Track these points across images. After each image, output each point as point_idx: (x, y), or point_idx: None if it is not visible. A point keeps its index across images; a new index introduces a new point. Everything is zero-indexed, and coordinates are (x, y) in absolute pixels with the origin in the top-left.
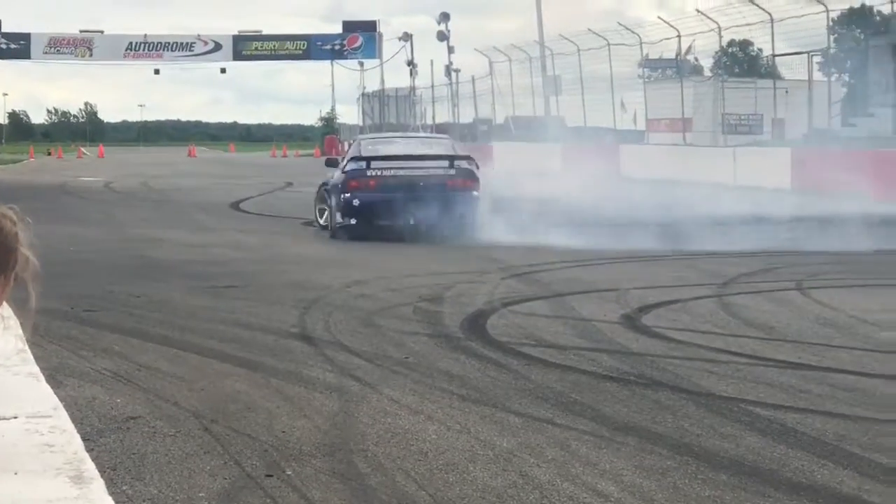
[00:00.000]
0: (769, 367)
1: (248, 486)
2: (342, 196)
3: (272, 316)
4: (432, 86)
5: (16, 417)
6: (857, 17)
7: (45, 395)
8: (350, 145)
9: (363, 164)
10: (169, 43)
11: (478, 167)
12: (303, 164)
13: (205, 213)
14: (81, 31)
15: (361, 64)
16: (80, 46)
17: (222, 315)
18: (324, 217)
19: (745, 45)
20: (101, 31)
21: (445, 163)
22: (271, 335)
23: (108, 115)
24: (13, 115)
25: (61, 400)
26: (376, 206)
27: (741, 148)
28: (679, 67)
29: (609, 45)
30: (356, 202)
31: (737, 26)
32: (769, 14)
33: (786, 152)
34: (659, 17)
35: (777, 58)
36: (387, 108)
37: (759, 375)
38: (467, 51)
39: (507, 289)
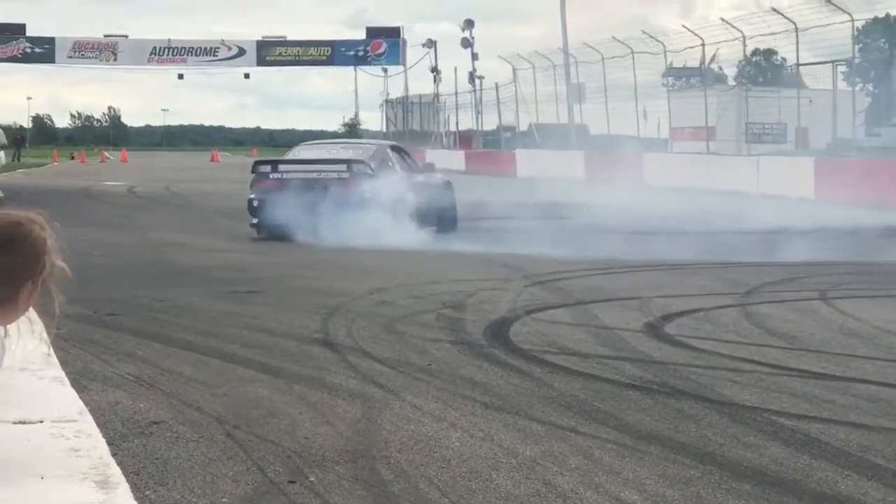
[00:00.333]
0: (793, 376)
1: (271, 492)
2: (248, 197)
3: (294, 322)
4: (456, 92)
5: (42, 422)
6: (882, 27)
7: (70, 400)
8: None
9: (269, 167)
10: (193, 48)
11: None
12: None
13: (227, 218)
14: (106, 36)
15: (385, 70)
16: (104, 51)
17: (245, 320)
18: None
19: (769, 54)
20: (126, 36)
21: (343, 166)
22: (294, 341)
23: (132, 119)
24: (37, 119)
25: (85, 404)
26: (273, 206)
27: (765, 157)
28: (703, 76)
29: (633, 53)
30: (256, 202)
31: (761, 35)
32: (794, 23)
33: (809, 162)
34: (683, 26)
35: (801, 67)
36: (410, 115)
37: (783, 385)
38: (491, 58)
39: (530, 296)
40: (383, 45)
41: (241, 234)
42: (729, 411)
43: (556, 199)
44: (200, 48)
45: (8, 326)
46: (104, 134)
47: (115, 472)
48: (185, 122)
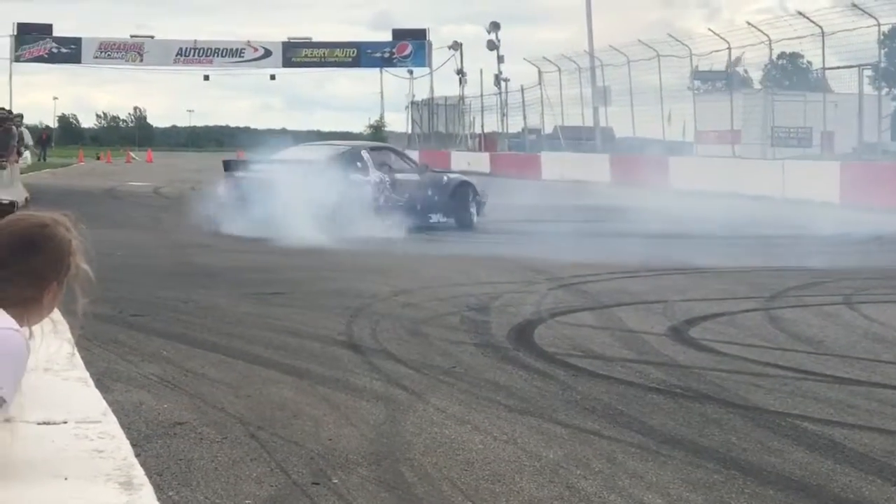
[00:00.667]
0: (817, 381)
1: (294, 494)
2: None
3: (319, 323)
4: (481, 95)
5: (65, 422)
6: None
7: (93, 400)
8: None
9: (233, 168)
10: (219, 49)
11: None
12: None
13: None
14: (132, 37)
15: (411, 72)
16: (130, 51)
17: (269, 322)
18: None
19: (795, 57)
20: (152, 37)
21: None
22: (318, 342)
23: (157, 120)
24: (63, 119)
25: (109, 405)
26: (234, 203)
27: (790, 161)
28: (729, 79)
29: (659, 56)
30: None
31: (787, 39)
32: (820, 27)
33: (835, 166)
34: (709, 29)
35: (827, 71)
36: (435, 117)
37: (807, 390)
38: (517, 60)
39: (555, 299)
40: (409, 46)
41: (265, 236)
42: (753, 416)
43: (580, 202)
44: (226, 49)
45: (33, 327)
46: (130, 134)
47: (139, 473)
48: (211, 123)
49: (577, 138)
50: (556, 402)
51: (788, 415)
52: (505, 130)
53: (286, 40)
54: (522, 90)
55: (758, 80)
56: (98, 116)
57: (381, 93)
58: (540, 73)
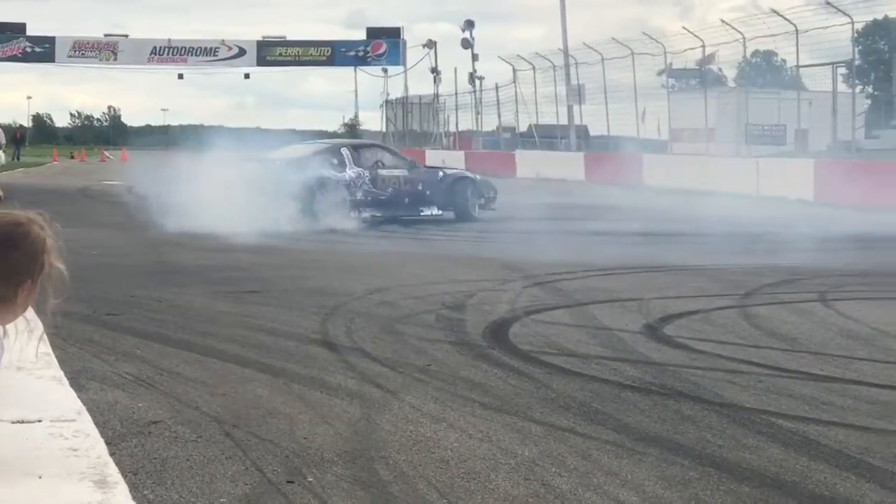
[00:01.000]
0: (792, 378)
1: (269, 492)
2: None
3: (294, 322)
4: (456, 93)
5: (40, 421)
6: (882, 29)
7: (68, 399)
8: None
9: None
10: (193, 48)
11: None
12: None
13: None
14: (106, 36)
15: (385, 70)
16: (104, 50)
17: (244, 320)
18: None
19: (769, 55)
20: (126, 36)
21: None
22: (293, 341)
23: (132, 119)
24: (37, 118)
25: (84, 404)
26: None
27: (764, 159)
28: (703, 77)
29: (633, 54)
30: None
31: (761, 37)
32: (794, 25)
33: (809, 164)
34: (683, 27)
35: (801, 69)
36: (410, 115)
37: (782, 387)
38: (491, 59)
39: (530, 297)
40: (383, 45)
41: (240, 234)
42: (728, 413)
43: (555, 201)
44: (200, 48)
45: (6, 326)
46: (104, 133)
47: (114, 471)
48: (186, 122)
49: (551, 136)
50: (531, 400)
51: (763, 412)
52: (479, 129)
53: (260, 39)
54: (497, 88)
55: (732, 78)
56: (72, 115)
57: (356, 91)
58: (514, 71)
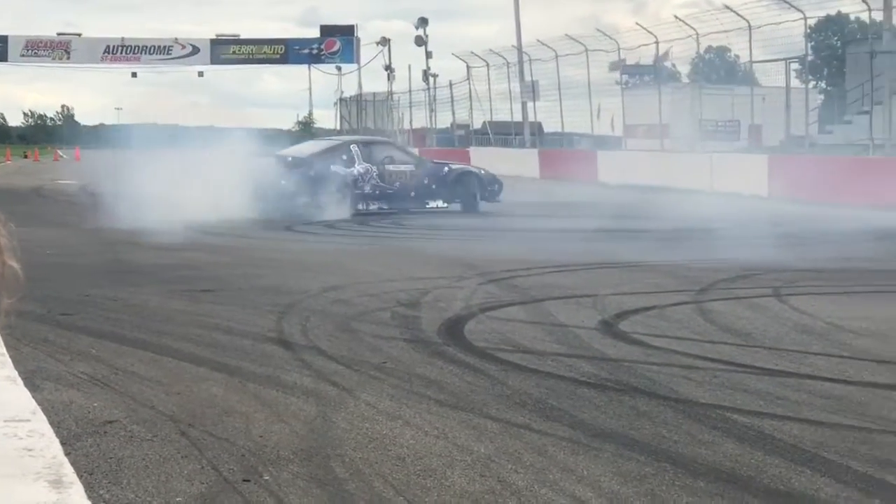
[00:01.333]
0: (746, 373)
1: (226, 491)
2: None
3: (249, 320)
4: (410, 91)
5: None
6: (834, 25)
7: (22, 399)
8: None
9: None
10: (146, 46)
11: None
12: None
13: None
14: (59, 34)
15: (339, 68)
16: (57, 49)
17: (199, 319)
18: None
19: (722, 51)
20: (79, 34)
21: (289, 158)
22: (248, 339)
23: (85, 117)
24: None
25: (39, 404)
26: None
27: (718, 154)
28: (657, 73)
29: (587, 50)
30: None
31: (714, 33)
32: (747, 21)
33: (763, 159)
34: (637, 24)
35: (754, 64)
36: (364, 113)
37: (737, 382)
38: (445, 56)
39: (485, 294)
40: (337, 43)
41: (195, 233)
42: (683, 408)
43: (509, 198)
44: (154, 47)
45: None
46: (58, 132)
47: (69, 471)
48: (139, 121)
49: (505, 133)
50: (486, 397)
51: (718, 407)
52: (434, 126)
53: (214, 37)
54: (451, 86)
55: (686, 74)
56: (25, 115)
57: (310, 89)
58: (468, 68)
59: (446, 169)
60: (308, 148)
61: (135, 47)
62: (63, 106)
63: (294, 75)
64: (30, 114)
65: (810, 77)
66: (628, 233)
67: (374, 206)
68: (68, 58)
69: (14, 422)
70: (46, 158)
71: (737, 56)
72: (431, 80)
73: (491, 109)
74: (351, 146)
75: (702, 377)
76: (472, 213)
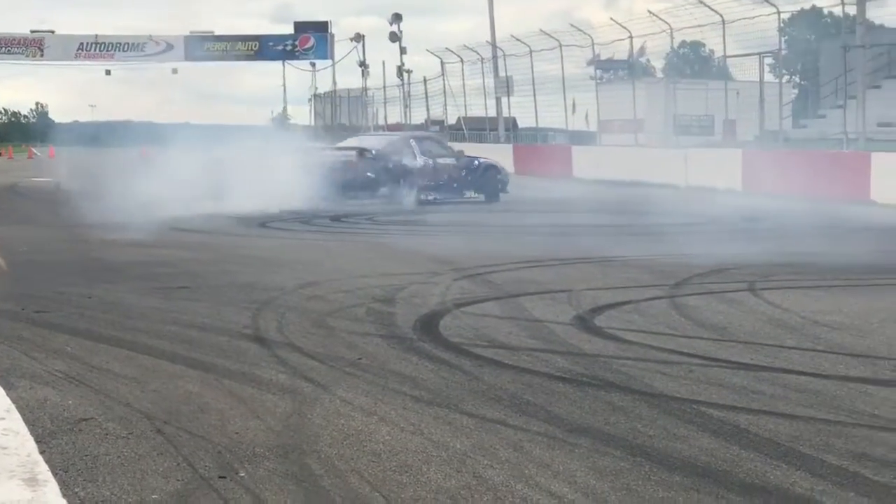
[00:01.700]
0: (722, 368)
1: (201, 488)
2: None
3: (224, 317)
4: (384, 86)
5: None
6: (808, 19)
7: None
8: None
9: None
10: (120, 43)
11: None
12: None
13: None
14: (32, 32)
15: (313, 64)
16: (30, 46)
17: (174, 316)
18: None
19: (696, 46)
20: (52, 32)
21: (353, 152)
22: (223, 336)
23: (60, 115)
24: None
25: (13, 401)
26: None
27: (693, 149)
28: (631, 68)
29: (561, 45)
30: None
31: (688, 27)
32: (720, 15)
33: (737, 153)
34: (611, 19)
35: (728, 59)
36: (339, 109)
37: (712, 376)
38: (419, 52)
39: (460, 290)
40: (311, 39)
41: (170, 229)
42: (658, 403)
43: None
44: (128, 44)
45: None
46: (32, 130)
47: (44, 469)
48: (114, 118)
49: (480, 129)
50: (462, 393)
51: (693, 401)
52: (408, 122)
53: (188, 34)
54: (425, 81)
55: (660, 69)
56: None
57: (284, 86)
58: (442, 64)
59: (476, 163)
60: (373, 142)
61: (109, 44)
62: (37, 103)
63: (268, 72)
64: (3, 111)
65: (784, 71)
66: (601, 227)
67: (431, 197)
68: (42, 55)
69: None
70: (20, 156)
71: (711, 51)
72: (406, 76)
73: (465, 105)
74: (410, 141)
75: (677, 372)
76: (494, 202)
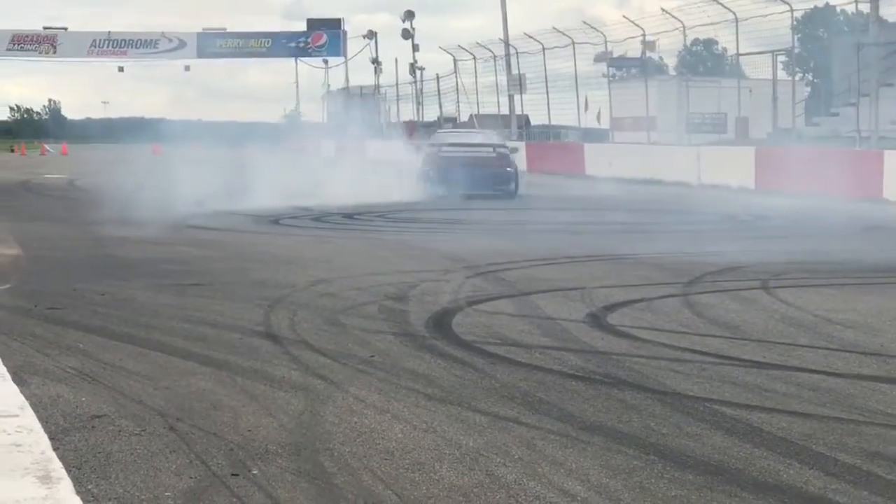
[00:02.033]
0: (735, 366)
1: (214, 485)
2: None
3: (237, 314)
4: (397, 84)
5: None
6: (821, 17)
7: (10, 394)
8: None
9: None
10: (133, 40)
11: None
12: None
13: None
14: (45, 28)
15: (326, 62)
16: (43, 43)
17: (187, 313)
18: None
19: (709, 44)
20: (65, 28)
21: (490, 149)
22: (236, 333)
23: (72, 112)
24: None
25: (27, 399)
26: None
27: (705, 147)
28: (643, 66)
29: (574, 43)
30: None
31: (701, 25)
32: (733, 13)
33: (750, 151)
34: (624, 16)
35: (741, 57)
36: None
37: (725, 374)
38: (432, 49)
39: (472, 287)
40: (324, 36)
41: (183, 227)
42: (671, 401)
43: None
44: (141, 41)
45: None
46: (44, 127)
47: (57, 466)
48: (126, 115)
49: (492, 126)
50: (475, 390)
51: (707, 399)
52: (421, 119)
53: (201, 31)
54: (438, 79)
55: (672, 67)
56: (12, 109)
57: (297, 83)
58: (455, 61)
59: (511, 157)
60: (470, 139)
61: (122, 41)
62: (50, 100)
63: (281, 69)
64: (16, 108)
65: (797, 69)
66: (614, 225)
67: (518, 190)
68: (55, 52)
69: (2, 417)
70: (33, 152)
71: (724, 48)
72: (418, 73)
73: (478, 102)
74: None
75: (690, 370)
76: (514, 198)
